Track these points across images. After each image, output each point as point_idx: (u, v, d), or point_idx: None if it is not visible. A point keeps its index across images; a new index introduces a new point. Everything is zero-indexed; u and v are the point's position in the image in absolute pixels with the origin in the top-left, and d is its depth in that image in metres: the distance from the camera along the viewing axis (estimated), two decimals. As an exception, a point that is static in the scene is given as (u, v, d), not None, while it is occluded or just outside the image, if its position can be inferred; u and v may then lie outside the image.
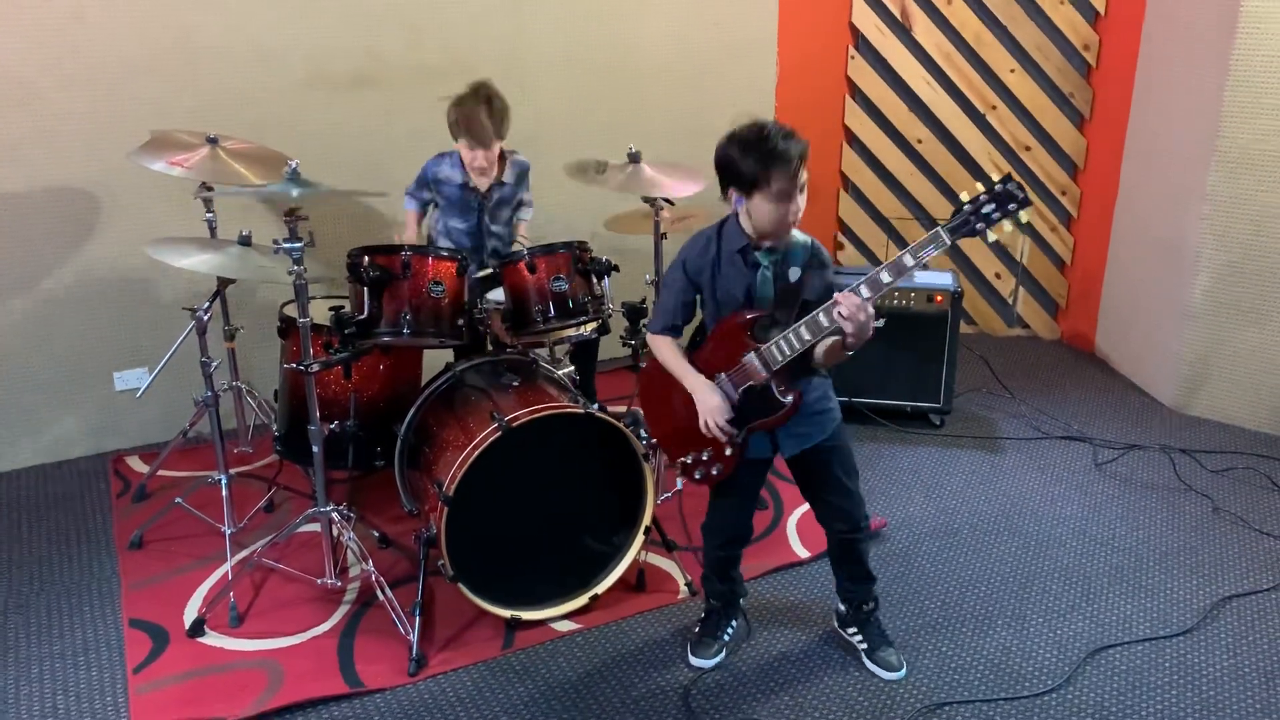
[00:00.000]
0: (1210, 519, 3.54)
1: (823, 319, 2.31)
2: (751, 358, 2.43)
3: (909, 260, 2.22)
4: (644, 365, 2.68)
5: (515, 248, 3.56)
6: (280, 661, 2.78)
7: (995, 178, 2.19)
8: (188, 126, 3.52)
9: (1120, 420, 4.34)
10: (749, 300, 2.47)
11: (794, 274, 2.46)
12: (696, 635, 2.84)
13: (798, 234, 2.47)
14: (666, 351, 2.57)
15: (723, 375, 2.49)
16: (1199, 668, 2.78)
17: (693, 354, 2.55)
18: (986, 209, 2.19)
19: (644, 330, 2.60)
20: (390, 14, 4.09)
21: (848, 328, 2.26)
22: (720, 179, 2.44)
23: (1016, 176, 2.20)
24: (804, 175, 2.35)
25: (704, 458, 2.57)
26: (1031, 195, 5.08)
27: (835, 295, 2.27)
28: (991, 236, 2.20)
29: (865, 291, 2.26)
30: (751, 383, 2.45)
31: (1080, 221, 5.16)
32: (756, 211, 2.37)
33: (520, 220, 3.74)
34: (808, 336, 2.35)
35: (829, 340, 2.36)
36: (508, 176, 3.59)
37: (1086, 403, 4.53)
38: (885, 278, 2.25)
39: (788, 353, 2.39)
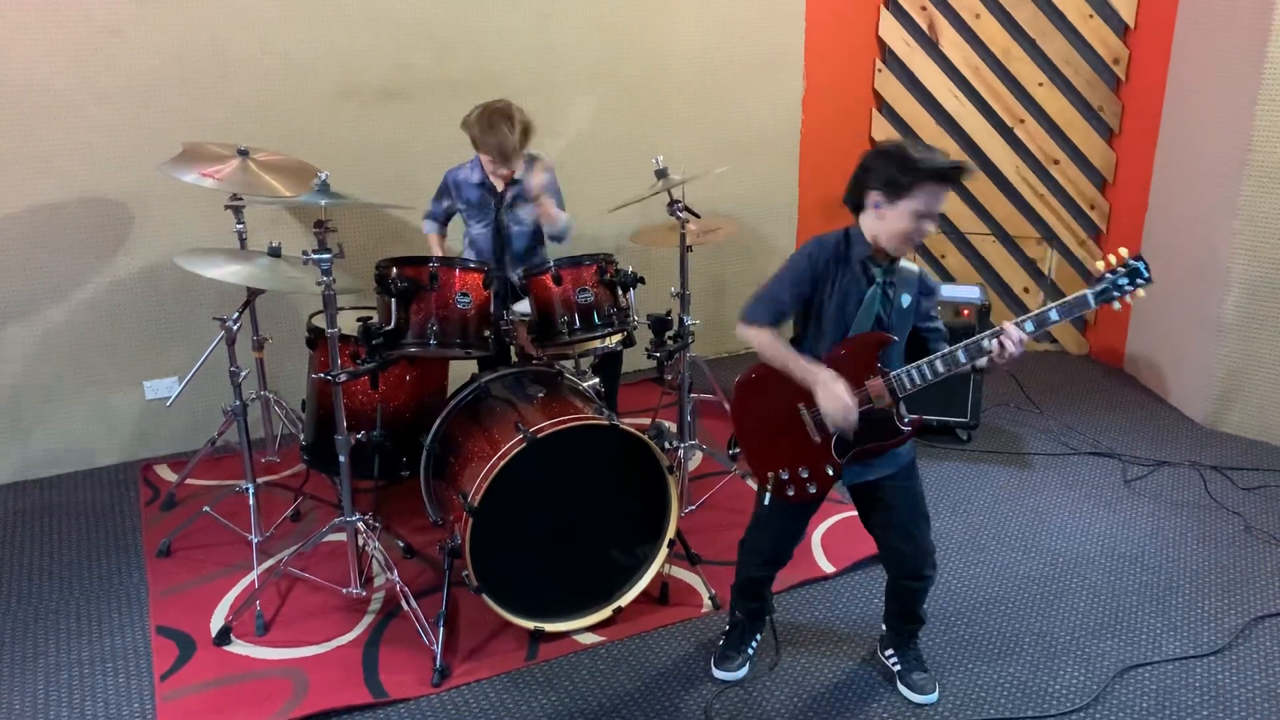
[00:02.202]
0: (1242, 537, 3.50)
1: (961, 356, 2.35)
2: (878, 382, 2.40)
3: (1054, 315, 2.32)
4: (746, 373, 2.55)
5: (545, 222, 3.58)
6: (305, 670, 2.79)
7: (1126, 254, 2.34)
8: (219, 139, 3.57)
9: (1150, 436, 4.30)
10: (849, 319, 2.43)
11: (905, 300, 2.45)
12: (720, 648, 2.83)
13: (906, 262, 2.47)
14: (774, 343, 2.43)
15: None
16: (1230, 688, 2.74)
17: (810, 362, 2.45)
18: (1122, 281, 2.33)
19: (739, 320, 2.47)
20: (420, 28, 4.13)
21: (1003, 358, 2.31)
22: (864, 179, 2.38)
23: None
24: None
25: (802, 474, 2.50)
26: (1059, 208, 5.08)
27: (1003, 325, 2.32)
28: (1117, 306, 2.35)
29: (1030, 327, 2.32)
30: (871, 406, 2.41)
31: (1109, 236, 5.12)
32: (891, 219, 2.34)
33: (560, 221, 3.65)
34: (943, 370, 2.37)
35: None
36: (522, 174, 3.60)
37: (1116, 419, 4.49)
38: (1053, 316, 2.33)
39: (919, 382, 2.39)
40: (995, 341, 2.30)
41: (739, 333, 2.48)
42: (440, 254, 3.71)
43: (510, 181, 3.58)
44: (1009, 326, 2.31)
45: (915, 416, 2.47)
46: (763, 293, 2.46)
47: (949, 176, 2.32)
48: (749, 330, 2.46)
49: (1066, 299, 2.33)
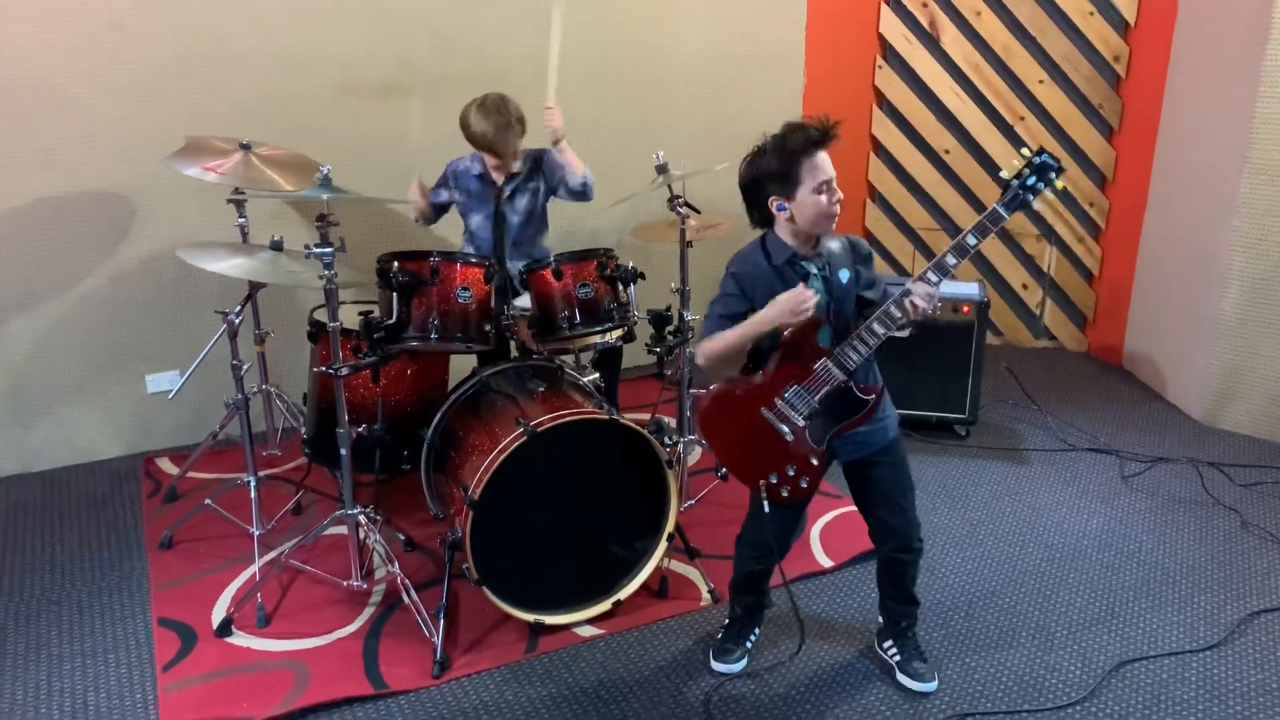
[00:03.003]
0: (1238, 533, 3.51)
1: (894, 311, 2.36)
2: (826, 364, 2.43)
3: (971, 240, 2.34)
4: (701, 401, 2.59)
5: (569, 172, 3.60)
6: (306, 662, 2.81)
7: (1026, 152, 2.33)
8: (221, 133, 3.58)
9: (1148, 433, 4.31)
10: None
11: (844, 275, 2.48)
12: (719, 641, 2.85)
13: (828, 240, 2.49)
14: (721, 335, 2.46)
15: (796, 387, 2.46)
16: (1226, 683, 2.76)
17: (755, 375, 2.50)
18: (1030, 180, 2.33)
19: (693, 354, 2.53)
20: (421, 23, 4.14)
21: (919, 315, 2.34)
22: (754, 197, 2.46)
23: (1047, 147, 2.39)
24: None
25: (790, 473, 2.53)
26: (1058, 204, 5.09)
27: (907, 284, 2.34)
28: (1036, 204, 2.35)
29: (933, 277, 2.35)
30: (828, 388, 2.45)
31: (1108, 233, 5.13)
32: (802, 209, 2.39)
33: (574, 177, 3.66)
34: (880, 331, 2.39)
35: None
36: (518, 166, 3.62)
37: (1114, 415, 4.50)
38: (951, 260, 2.34)
39: (863, 351, 2.41)
40: (908, 302, 2.34)
41: (699, 361, 2.55)
42: (418, 196, 3.69)
43: (509, 175, 3.59)
44: (914, 285, 2.34)
45: (873, 385, 2.50)
46: (709, 315, 2.54)
47: (819, 141, 2.37)
48: (703, 348, 2.50)
49: (978, 220, 2.34)
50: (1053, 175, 2.32)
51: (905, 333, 2.47)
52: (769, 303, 2.41)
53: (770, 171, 2.40)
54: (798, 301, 2.37)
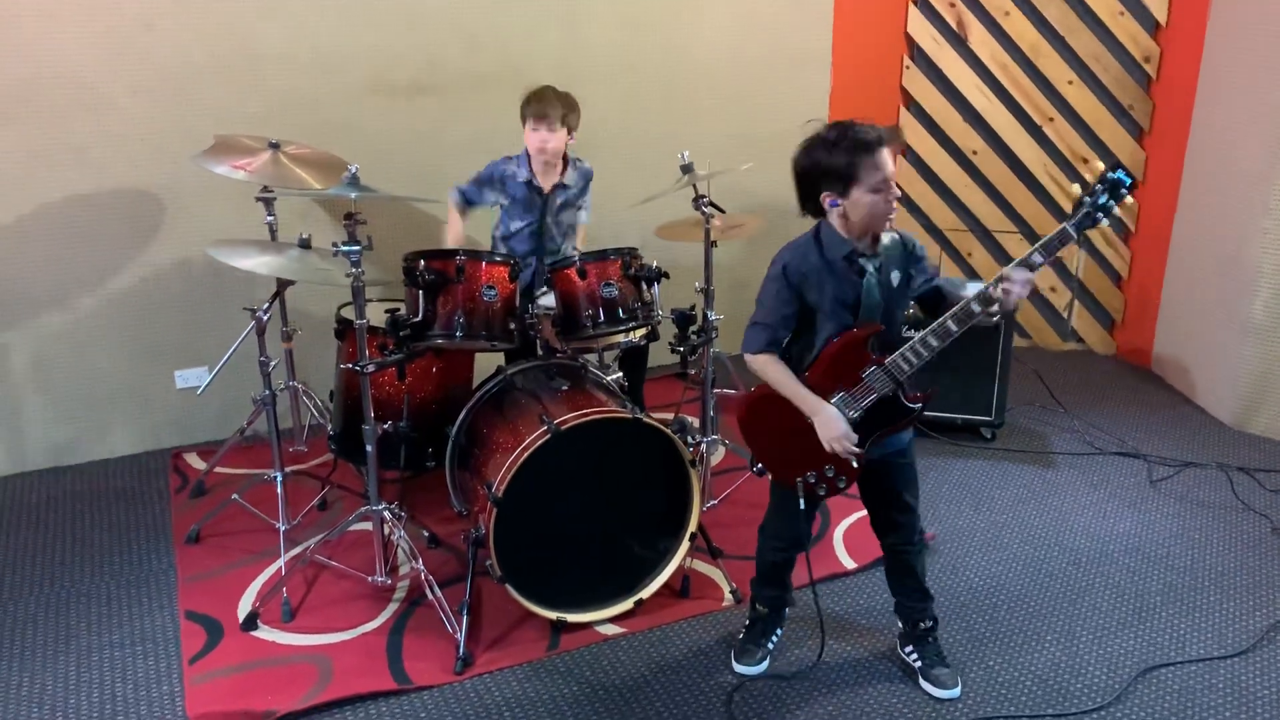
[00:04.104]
0: (1268, 539, 3.47)
1: (953, 326, 2.32)
2: (875, 372, 2.41)
3: (1038, 259, 2.29)
4: (743, 399, 2.59)
5: (570, 254, 3.60)
6: (330, 657, 2.83)
7: (1101, 166, 2.27)
8: (250, 131, 3.61)
9: (1177, 437, 4.27)
10: (856, 309, 2.43)
11: (895, 278, 2.44)
12: (740, 642, 2.84)
13: (885, 235, 2.45)
14: (775, 372, 2.46)
15: (843, 393, 2.43)
16: (1253, 690, 2.72)
17: (804, 374, 2.47)
18: (1103, 199, 2.25)
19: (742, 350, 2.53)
20: (449, 22, 4.16)
21: (1009, 304, 2.30)
22: (806, 188, 2.40)
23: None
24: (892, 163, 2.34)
25: (828, 474, 2.52)
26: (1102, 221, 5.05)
27: (1003, 271, 2.28)
28: (1106, 223, 2.28)
29: (1037, 259, 2.29)
30: (875, 396, 2.42)
31: (1138, 235, 5.08)
32: (855, 207, 2.34)
33: (578, 224, 3.82)
34: (936, 344, 2.35)
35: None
36: (571, 179, 3.65)
37: (1142, 419, 4.46)
38: (1038, 259, 2.30)
39: (915, 362, 2.38)
40: (1000, 287, 2.28)
41: (747, 362, 2.53)
42: (458, 228, 3.72)
43: (557, 185, 3.62)
44: (1009, 271, 2.28)
45: (921, 392, 2.48)
46: (755, 320, 2.50)
47: (881, 144, 2.30)
48: (752, 360, 2.51)
49: (1048, 237, 2.27)
50: (1124, 191, 2.25)
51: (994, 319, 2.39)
52: (823, 411, 2.41)
53: (827, 165, 2.33)
54: (839, 445, 2.40)
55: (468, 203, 3.73)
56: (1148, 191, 4.99)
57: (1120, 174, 2.23)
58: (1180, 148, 4.71)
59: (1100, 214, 2.26)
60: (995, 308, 2.32)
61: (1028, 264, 2.29)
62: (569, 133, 3.56)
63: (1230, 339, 4.32)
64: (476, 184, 3.70)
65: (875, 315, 2.42)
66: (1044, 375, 4.81)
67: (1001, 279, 2.29)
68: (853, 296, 2.42)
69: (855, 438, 2.42)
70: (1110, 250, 5.14)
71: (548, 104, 3.49)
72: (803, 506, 2.56)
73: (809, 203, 2.43)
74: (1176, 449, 4.15)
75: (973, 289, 2.33)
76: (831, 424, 2.41)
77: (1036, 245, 2.29)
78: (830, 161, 2.32)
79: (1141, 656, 2.85)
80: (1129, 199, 2.26)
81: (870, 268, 2.41)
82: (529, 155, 3.60)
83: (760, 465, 2.60)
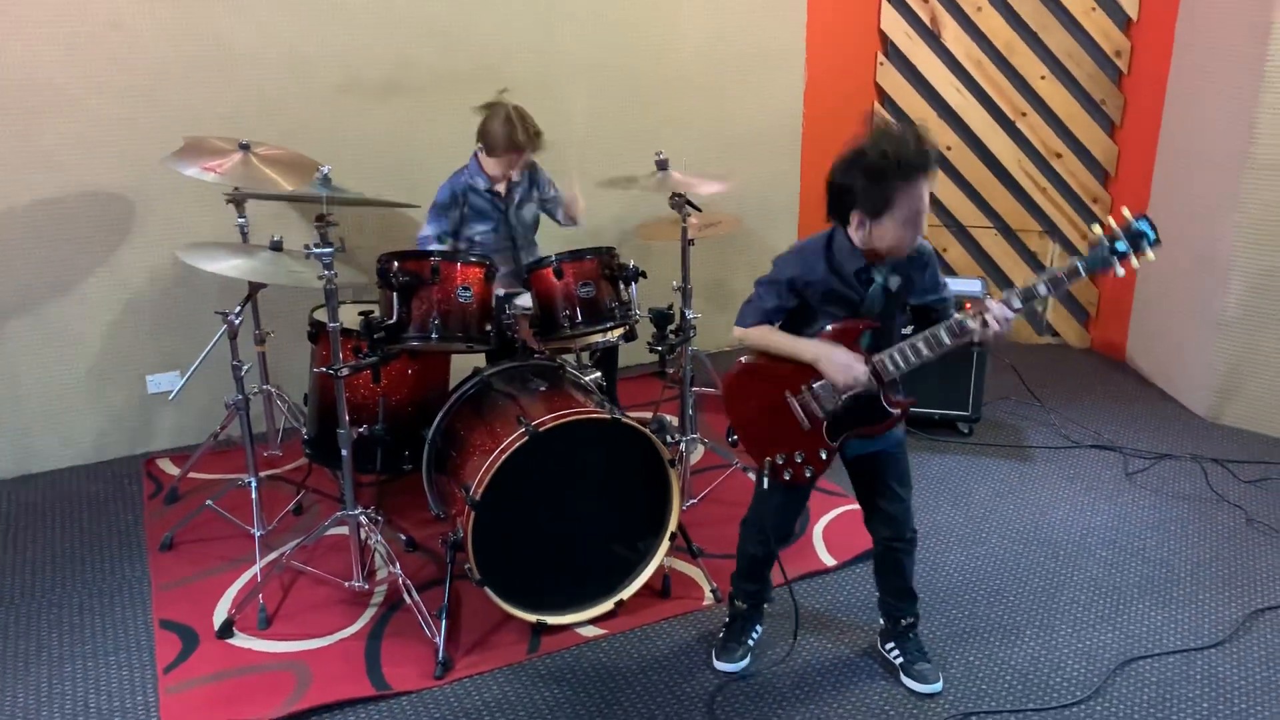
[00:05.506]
0: (1243, 530, 3.50)
1: (945, 336, 2.32)
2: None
3: (1042, 289, 2.27)
4: (731, 368, 2.58)
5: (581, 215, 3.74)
6: (308, 663, 2.80)
7: (1127, 213, 2.23)
8: (221, 133, 3.57)
9: (1152, 430, 4.30)
10: (855, 312, 2.43)
11: (894, 282, 2.43)
12: (721, 640, 2.84)
13: None
14: (768, 333, 2.48)
15: (826, 382, 2.43)
16: (1230, 680, 2.74)
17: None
18: (1120, 245, 2.22)
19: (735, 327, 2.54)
20: (422, 22, 4.13)
21: (990, 336, 2.28)
22: (838, 201, 2.36)
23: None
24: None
25: (797, 459, 2.52)
26: (1061, 201, 5.07)
27: (987, 303, 2.27)
28: (1120, 271, 2.23)
29: (1017, 304, 2.28)
30: (858, 391, 2.42)
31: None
32: (883, 236, 2.31)
33: (557, 206, 3.84)
34: (926, 352, 2.35)
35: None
36: (517, 175, 3.65)
37: (1117, 412, 4.49)
38: (1017, 305, 2.29)
39: (902, 366, 2.38)
40: (979, 320, 2.28)
41: (734, 336, 2.53)
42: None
43: (511, 185, 3.63)
44: (993, 304, 2.28)
45: (904, 399, 2.48)
46: (752, 301, 2.51)
47: (922, 171, 2.25)
48: (742, 332, 2.51)
49: (1056, 271, 2.25)
50: (1146, 244, 2.20)
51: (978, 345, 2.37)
52: (827, 351, 2.39)
53: (863, 190, 2.28)
54: (851, 377, 2.37)
55: (451, 235, 3.69)
56: (1120, 185, 5.03)
57: (1144, 224, 2.20)
58: (1152, 142, 4.75)
59: (1115, 259, 2.22)
60: (977, 336, 2.30)
61: (1026, 295, 2.28)
62: None
63: (1203, 332, 4.36)
64: (441, 214, 3.63)
65: (873, 315, 2.43)
66: (1020, 370, 4.84)
67: (985, 309, 2.28)
68: (855, 299, 2.43)
69: (865, 369, 2.38)
70: (1084, 244, 5.17)
71: (529, 141, 3.51)
72: (765, 486, 2.56)
73: (835, 211, 2.39)
74: (1151, 441, 4.17)
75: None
76: (837, 357, 2.38)
77: (1043, 276, 2.26)
78: (870, 190, 2.27)
79: (1119, 649, 2.87)
80: (1150, 254, 2.20)
81: (878, 278, 2.41)
82: (479, 164, 3.61)
83: (735, 437, 2.60)
